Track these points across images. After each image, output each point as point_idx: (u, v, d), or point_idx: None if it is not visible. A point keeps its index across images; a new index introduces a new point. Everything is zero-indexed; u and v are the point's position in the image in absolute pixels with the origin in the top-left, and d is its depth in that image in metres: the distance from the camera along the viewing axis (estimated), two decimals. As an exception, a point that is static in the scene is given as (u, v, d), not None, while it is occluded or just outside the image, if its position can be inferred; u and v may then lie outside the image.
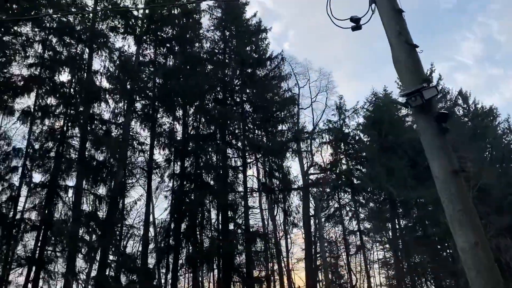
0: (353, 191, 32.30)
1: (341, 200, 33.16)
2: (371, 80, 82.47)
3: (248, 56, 27.08)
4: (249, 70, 27.14)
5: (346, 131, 33.81)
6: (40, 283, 17.89)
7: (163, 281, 21.40)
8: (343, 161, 33.42)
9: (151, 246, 21.13)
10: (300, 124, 30.18)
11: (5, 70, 19.69)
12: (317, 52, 66.54)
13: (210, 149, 24.23)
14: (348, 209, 33.11)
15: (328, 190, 31.99)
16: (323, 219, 31.22)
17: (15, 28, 19.92)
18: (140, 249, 21.00)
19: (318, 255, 29.05)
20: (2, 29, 19.38)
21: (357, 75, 73.12)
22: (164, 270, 21.46)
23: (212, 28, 27.52)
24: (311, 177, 30.41)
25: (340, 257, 32.92)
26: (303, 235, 27.85)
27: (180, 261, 21.44)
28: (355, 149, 33.98)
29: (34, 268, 17.85)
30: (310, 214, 28.70)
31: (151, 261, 20.82)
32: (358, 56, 76.41)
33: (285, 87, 29.13)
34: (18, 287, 18.01)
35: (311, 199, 29.51)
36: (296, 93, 31.11)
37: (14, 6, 19.64)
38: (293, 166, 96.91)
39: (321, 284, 30.13)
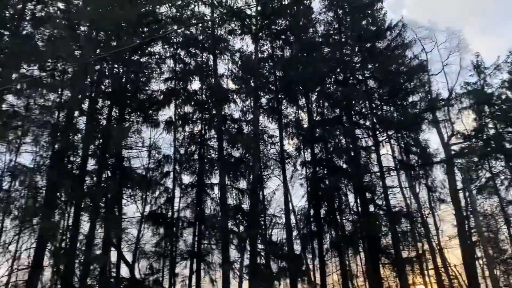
0: (507, 157, 28.59)
1: (493, 169, 29.72)
2: (508, 32, 71.78)
3: (365, 30, 25.84)
4: (368, 45, 25.84)
5: (489, 91, 29.99)
6: (202, 274, 19.89)
7: (310, 266, 21.89)
8: (490, 125, 29.84)
9: (295, 233, 21.73)
10: (433, 92, 27.75)
11: (147, 88, 22.31)
12: (440, 12, 60.49)
13: (337, 133, 23.88)
14: (503, 177, 29.49)
15: (475, 159, 28.97)
16: (474, 192, 28.40)
17: (149, 48, 22.37)
18: (284, 236, 21.76)
19: (473, 231, 26.61)
20: (139, 52, 21.91)
21: (491, 29, 64.50)
22: (310, 256, 21.94)
23: (324, 10, 26.87)
24: (454, 147, 27.82)
25: (500, 231, 29.67)
26: (453, 210, 25.74)
27: (325, 246, 21.66)
28: (503, 110, 29.96)
29: (195, 260, 19.94)
30: (458, 188, 26.34)
31: (297, 247, 21.40)
32: (488, 8, 67.29)
33: (410, 55, 26.90)
34: (185, 278, 20.24)
35: (456, 171, 27.06)
36: (424, 60, 28.55)
37: (145, 29, 22.06)
38: (431, 138, 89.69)
39: (480, 261, 27.61)
